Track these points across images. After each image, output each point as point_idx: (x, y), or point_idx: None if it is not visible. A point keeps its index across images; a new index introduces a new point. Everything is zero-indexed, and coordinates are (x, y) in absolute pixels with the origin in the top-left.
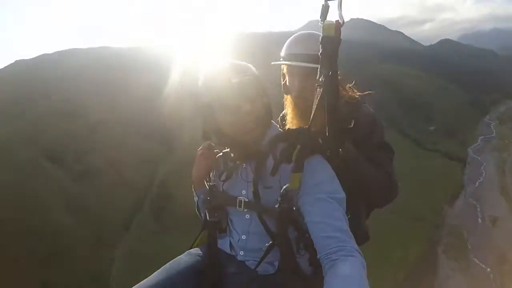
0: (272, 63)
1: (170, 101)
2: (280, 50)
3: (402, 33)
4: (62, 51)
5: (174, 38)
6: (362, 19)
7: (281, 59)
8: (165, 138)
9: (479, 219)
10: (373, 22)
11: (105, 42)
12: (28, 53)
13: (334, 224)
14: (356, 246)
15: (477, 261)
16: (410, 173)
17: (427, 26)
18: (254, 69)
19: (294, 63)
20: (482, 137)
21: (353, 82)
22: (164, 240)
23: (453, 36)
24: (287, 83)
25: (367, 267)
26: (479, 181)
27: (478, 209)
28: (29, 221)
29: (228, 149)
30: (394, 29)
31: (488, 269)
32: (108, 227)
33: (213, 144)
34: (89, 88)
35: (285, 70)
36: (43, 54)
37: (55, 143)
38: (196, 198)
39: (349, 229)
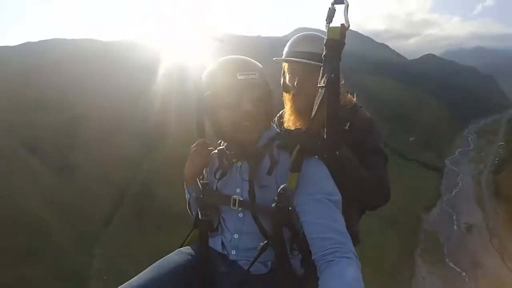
0: (274, 58)
1: (154, 99)
2: (269, 54)
3: (388, 46)
4: (46, 40)
5: (160, 35)
6: (349, 30)
7: (283, 57)
8: (147, 136)
9: (455, 226)
10: (360, 33)
11: (89, 34)
12: (12, 40)
13: (330, 225)
14: (352, 248)
15: (452, 265)
16: (392, 181)
17: (412, 41)
18: (262, 69)
19: (294, 59)
20: (459, 149)
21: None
22: (145, 237)
23: (437, 52)
24: (287, 80)
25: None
26: (456, 190)
27: (454, 217)
28: (4, 213)
29: (223, 147)
30: (380, 41)
31: (464, 273)
32: (88, 223)
33: (207, 142)
34: (71, 81)
35: (286, 68)
36: (26, 42)
37: (35, 135)
38: (188, 196)
39: (346, 231)
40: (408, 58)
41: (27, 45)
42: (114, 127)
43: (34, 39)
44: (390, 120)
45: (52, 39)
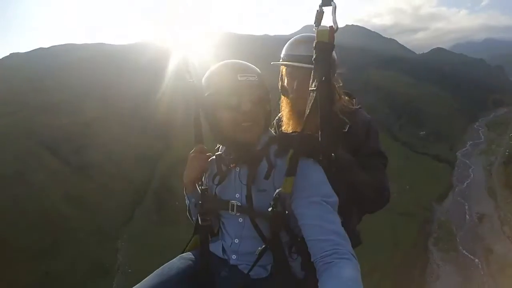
0: (271, 63)
1: (165, 99)
2: (276, 53)
3: (396, 41)
4: (58, 45)
5: (169, 36)
6: (357, 26)
7: (281, 61)
8: (162, 135)
9: (467, 216)
10: (368, 29)
11: (100, 38)
12: (23, 46)
13: (328, 227)
14: (351, 249)
15: (465, 252)
16: (401, 173)
17: (420, 35)
18: (262, 75)
19: (293, 63)
20: (470, 142)
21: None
22: (166, 231)
23: (446, 45)
24: (286, 84)
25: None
26: (467, 182)
27: (466, 207)
28: (28, 210)
29: (221, 152)
30: (388, 36)
31: (476, 260)
32: (109, 218)
33: (205, 148)
34: (84, 84)
35: (284, 72)
36: (38, 48)
37: (53, 136)
38: (187, 202)
39: (344, 232)
40: (417, 53)
41: (39, 51)
42: (129, 127)
43: (46, 44)
44: (400, 115)
45: (64, 44)
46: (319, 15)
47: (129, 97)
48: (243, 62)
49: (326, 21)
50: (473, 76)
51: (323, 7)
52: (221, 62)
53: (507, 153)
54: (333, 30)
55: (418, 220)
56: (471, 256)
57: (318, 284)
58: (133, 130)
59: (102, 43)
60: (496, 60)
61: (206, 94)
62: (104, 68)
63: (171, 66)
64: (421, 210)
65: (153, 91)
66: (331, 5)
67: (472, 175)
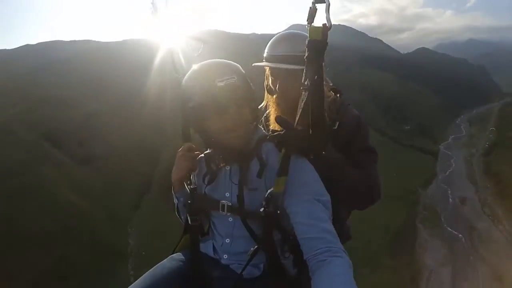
0: (253, 64)
1: (158, 94)
2: (263, 51)
3: (381, 41)
4: (45, 42)
5: (157, 34)
6: (343, 25)
7: (264, 60)
8: (163, 127)
9: (450, 199)
10: (353, 28)
11: (85, 35)
12: (9, 43)
13: (320, 225)
14: (342, 246)
15: (450, 229)
16: (388, 163)
17: (405, 35)
18: (242, 70)
19: (275, 64)
20: (453, 136)
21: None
22: (174, 216)
23: (430, 45)
24: (270, 83)
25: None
26: (449, 170)
27: (449, 192)
28: (38, 199)
29: (211, 151)
30: (373, 36)
31: (460, 235)
32: (118, 207)
33: (194, 146)
34: (78, 80)
35: (268, 71)
36: (25, 45)
37: (55, 129)
38: (175, 201)
39: (334, 230)
40: (402, 52)
41: (26, 48)
42: (128, 120)
43: (32, 41)
44: (386, 111)
45: (52, 41)
46: (312, 12)
47: (123, 91)
48: (220, 62)
49: (318, 19)
50: (456, 75)
51: (316, 4)
52: (197, 66)
53: (486, 146)
54: (326, 28)
55: (406, 203)
56: (455, 232)
57: (312, 283)
58: (133, 124)
59: (89, 40)
60: (478, 60)
61: (189, 106)
62: (95, 64)
63: (159, 62)
64: (408, 194)
65: (145, 86)
66: (324, 2)
67: (454, 165)
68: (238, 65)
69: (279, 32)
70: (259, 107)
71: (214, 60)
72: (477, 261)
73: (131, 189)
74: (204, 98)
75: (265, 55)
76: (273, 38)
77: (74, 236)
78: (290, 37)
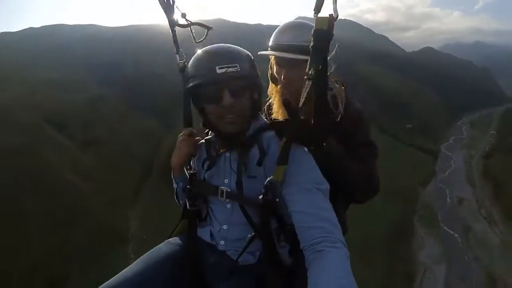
0: (258, 53)
1: (161, 81)
2: (268, 41)
3: (387, 38)
4: (48, 25)
5: (162, 20)
6: (350, 20)
7: (269, 49)
8: (163, 115)
9: (448, 199)
10: (360, 24)
11: (90, 20)
12: (13, 26)
13: (319, 214)
14: (341, 237)
15: (446, 228)
16: (388, 160)
17: (411, 33)
18: (251, 58)
19: (281, 53)
20: (454, 137)
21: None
22: (175, 202)
23: (436, 45)
24: (275, 72)
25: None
26: (449, 171)
27: (447, 192)
28: (39, 182)
29: (211, 136)
30: (379, 33)
31: (456, 235)
32: (119, 191)
33: (195, 131)
34: (81, 63)
35: (272, 60)
36: (29, 28)
37: (57, 111)
38: (175, 186)
39: (335, 219)
40: (407, 50)
41: (30, 30)
42: (131, 105)
43: (36, 24)
44: (388, 108)
45: (55, 25)
46: (320, 2)
47: (126, 77)
48: (227, 47)
49: (325, 10)
50: (460, 76)
51: None
52: (205, 49)
53: (487, 149)
54: (333, 18)
55: (404, 200)
56: (451, 232)
57: (308, 275)
58: (134, 108)
59: (94, 25)
60: (484, 63)
61: (189, 85)
62: (99, 48)
63: (162, 48)
64: (407, 191)
65: (148, 72)
66: None
67: (453, 166)
68: (247, 53)
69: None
70: (267, 103)
71: (223, 45)
72: (471, 260)
73: (132, 173)
74: (202, 81)
75: (270, 43)
76: (279, 27)
77: (75, 218)
78: (296, 26)
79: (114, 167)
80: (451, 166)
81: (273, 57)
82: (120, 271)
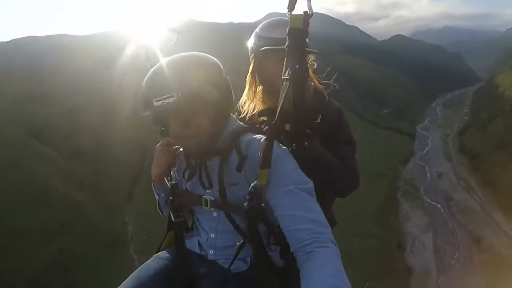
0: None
1: (138, 86)
2: (241, 40)
3: (358, 28)
4: (18, 38)
5: (129, 25)
6: (320, 13)
7: (257, 43)
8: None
9: (428, 174)
10: (330, 16)
11: (58, 29)
12: None
13: (305, 215)
14: (330, 236)
15: (429, 200)
16: (368, 144)
17: (382, 22)
18: (198, 74)
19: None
20: (429, 118)
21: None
22: None
23: (406, 33)
24: (269, 69)
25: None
26: (426, 149)
27: (427, 168)
28: (31, 194)
29: None
30: (350, 24)
31: (439, 205)
32: (111, 197)
33: (172, 141)
34: (56, 75)
35: (266, 57)
36: None
37: (40, 125)
38: (157, 197)
39: (323, 218)
40: (378, 39)
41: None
42: (112, 114)
43: (5, 39)
44: (364, 96)
45: (25, 37)
46: None
47: (103, 84)
48: (163, 73)
49: (298, 7)
50: (431, 61)
51: None
52: (146, 76)
53: (461, 126)
54: (308, 15)
55: (387, 179)
56: (434, 203)
57: (300, 275)
58: (117, 116)
59: (65, 34)
60: (454, 47)
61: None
62: (72, 58)
63: (133, 54)
64: (389, 171)
65: (124, 78)
66: None
67: (430, 144)
68: (199, 64)
69: (258, 22)
70: (240, 100)
71: (162, 67)
72: (455, 226)
73: (122, 179)
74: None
75: (257, 39)
76: (266, 23)
77: (72, 228)
78: (283, 22)
79: (103, 175)
80: (428, 145)
81: (263, 55)
82: (123, 273)
